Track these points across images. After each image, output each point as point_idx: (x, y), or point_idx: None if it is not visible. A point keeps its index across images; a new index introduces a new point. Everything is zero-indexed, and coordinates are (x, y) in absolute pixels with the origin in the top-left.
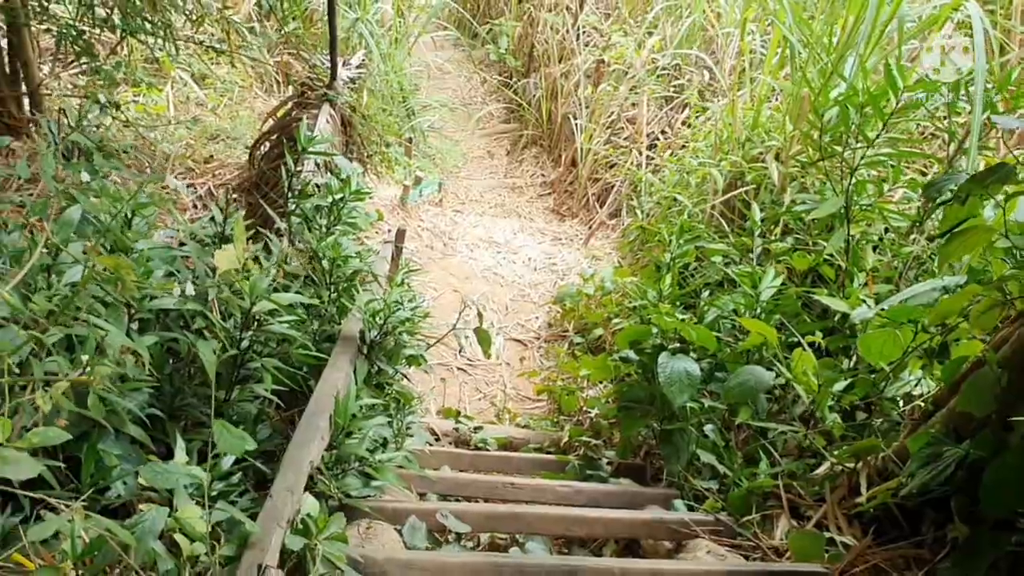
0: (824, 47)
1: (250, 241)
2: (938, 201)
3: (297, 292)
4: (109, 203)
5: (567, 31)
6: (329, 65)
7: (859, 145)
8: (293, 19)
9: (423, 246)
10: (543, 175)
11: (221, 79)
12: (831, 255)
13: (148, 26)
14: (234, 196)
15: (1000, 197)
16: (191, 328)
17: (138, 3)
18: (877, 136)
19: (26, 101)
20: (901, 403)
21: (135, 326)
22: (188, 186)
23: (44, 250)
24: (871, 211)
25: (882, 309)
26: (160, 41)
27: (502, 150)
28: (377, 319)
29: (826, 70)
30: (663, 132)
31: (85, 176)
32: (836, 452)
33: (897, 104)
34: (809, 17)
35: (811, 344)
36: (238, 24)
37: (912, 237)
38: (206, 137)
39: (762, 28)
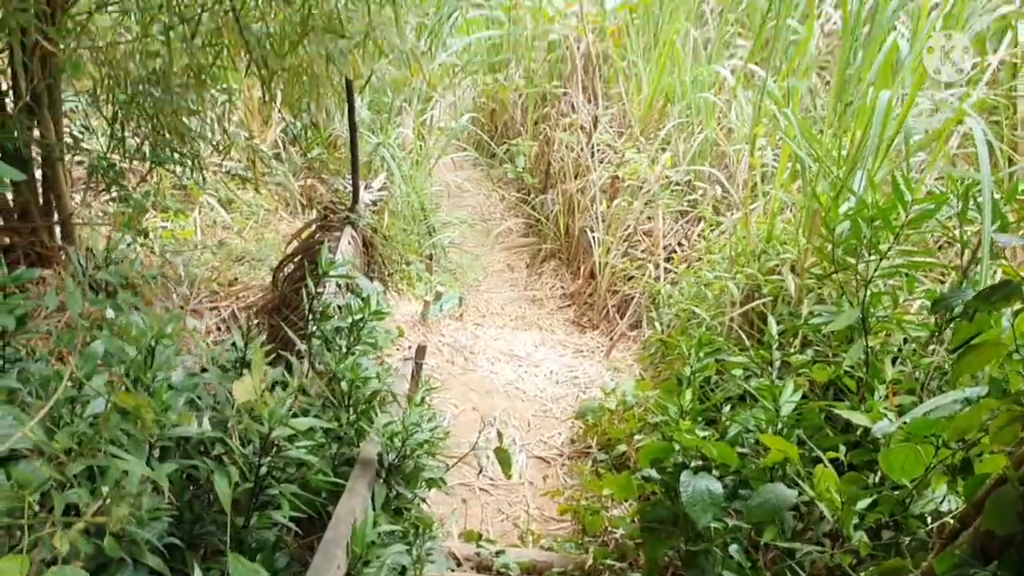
0: (834, 160)
1: (271, 364)
2: (948, 318)
3: (316, 415)
4: (132, 339)
5: (582, 149)
6: (351, 189)
7: (872, 257)
8: (317, 145)
9: (444, 361)
10: (563, 287)
11: (247, 203)
12: (851, 367)
13: (177, 156)
14: (255, 322)
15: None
16: (211, 454)
17: (167, 136)
18: (889, 248)
19: (57, 230)
20: (929, 520)
21: (156, 453)
22: (212, 309)
23: (69, 383)
24: (889, 322)
25: (904, 422)
26: (188, 171)
27: (522, 263)
28: (395, 442)
29: (837, 183)
30: (680, 244)
31: (110, 313)
32: (864, 573)
33: (907, 217)
34: (818, 131)
35: (834, 460)
36: (263, 153)
37: (931, 348)
38: (231, 260)
39: (772, 142)
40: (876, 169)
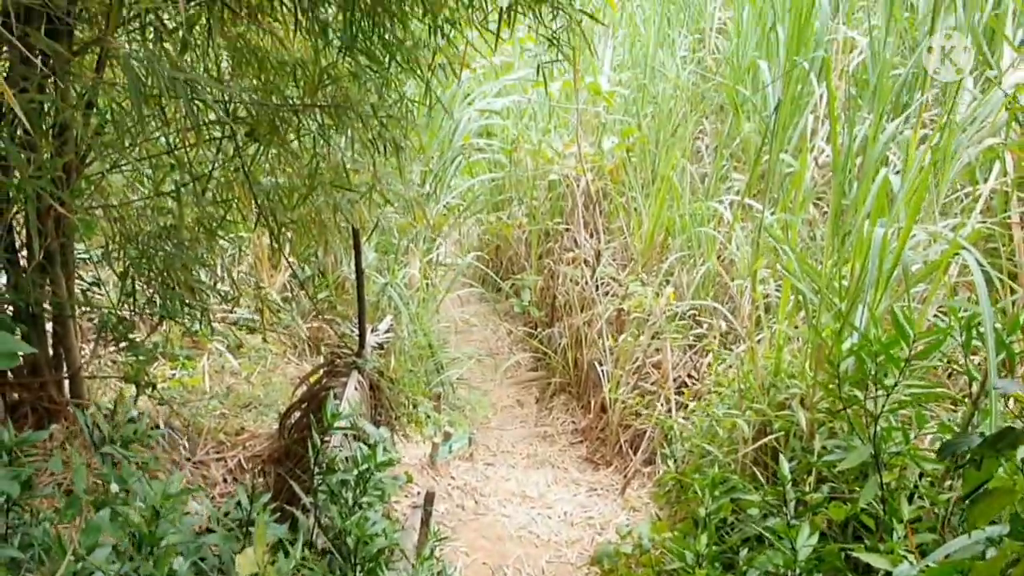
0: (835, 292)
1: (277, 520)
2: (956, 466)
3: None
4: (137, 511)
5: (586, 283)
6: (358, 333)
7: (879, 393)
8: (325, 288)
9: (454, 506)
10: (574, 422)
11: (255, 348)
12: (868, 504)
13: (187, 309)
14: (261, 478)
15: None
16: None
17: (177, 289)
18: (896, 384)
19: (66, 383)
20: None
21: None
22: (218, 459)
23: (71, 558)
24: (903, 457)
25: (927, 566)
26: (197, 323)
27: (531, 398)
28: None
29: (840, 315)
30: (689, 376)
31: (114, 487)
32: None
33: (910, 352)
34: (817, 262)
35: None
36: (271, 301)
37: (948, 483)
38: (239, 406)
39: (774, 274)
40: (877, 303)
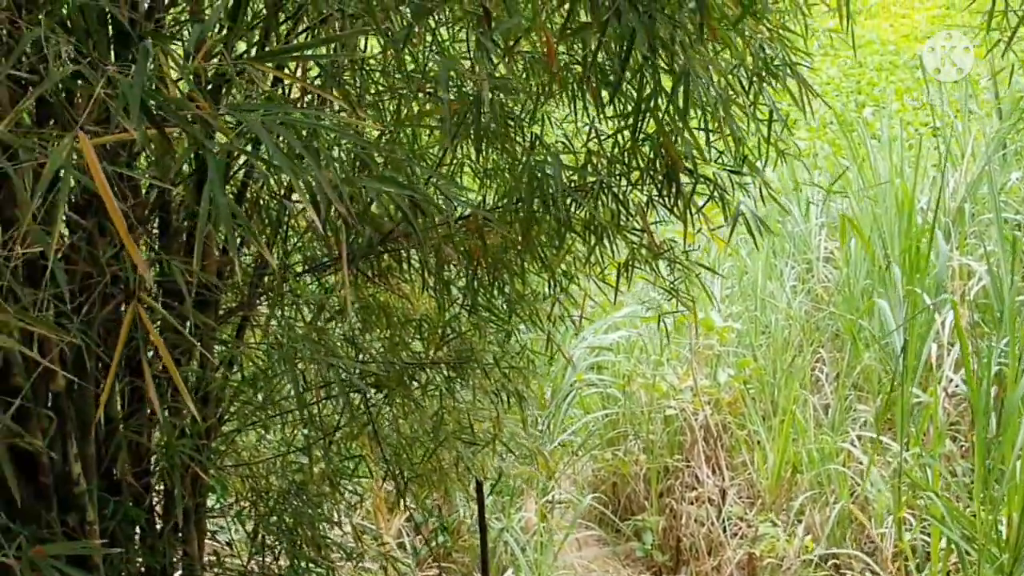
0: (993, 541)
1: None
2: None
3: None
4: None
5: (712, 524)
6: None
7: None
8: (443, 531)
9: None
10: None
11: None
12: None
13: (312, 567)
14: None
15: None
16: None
17: (305, 548)
18: None
19: None
20: None
21: None
22: None
23: None
24: None
25: None
26: None
27: None
28: None
29: (1003, 567)
30: None
31: None
32: None
33: None
34: (961, 499)
35: None
36: (391, 555)
37: None
38: None
39: (919, 520)
40: None
